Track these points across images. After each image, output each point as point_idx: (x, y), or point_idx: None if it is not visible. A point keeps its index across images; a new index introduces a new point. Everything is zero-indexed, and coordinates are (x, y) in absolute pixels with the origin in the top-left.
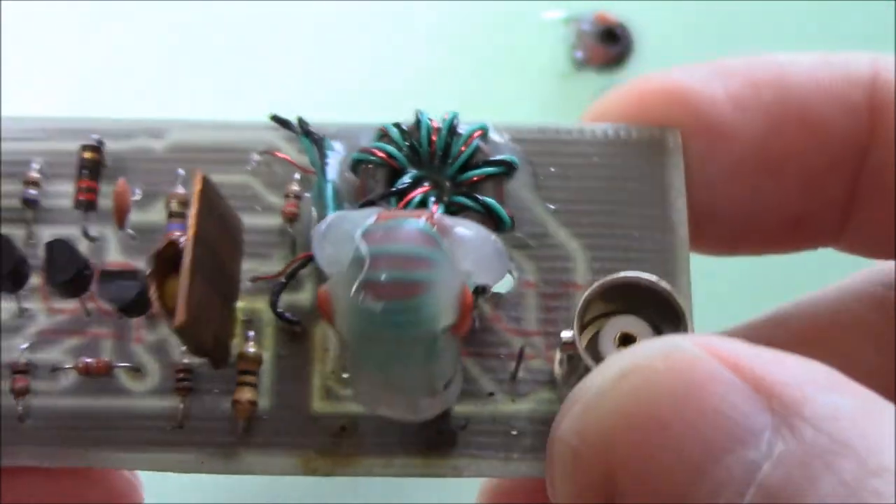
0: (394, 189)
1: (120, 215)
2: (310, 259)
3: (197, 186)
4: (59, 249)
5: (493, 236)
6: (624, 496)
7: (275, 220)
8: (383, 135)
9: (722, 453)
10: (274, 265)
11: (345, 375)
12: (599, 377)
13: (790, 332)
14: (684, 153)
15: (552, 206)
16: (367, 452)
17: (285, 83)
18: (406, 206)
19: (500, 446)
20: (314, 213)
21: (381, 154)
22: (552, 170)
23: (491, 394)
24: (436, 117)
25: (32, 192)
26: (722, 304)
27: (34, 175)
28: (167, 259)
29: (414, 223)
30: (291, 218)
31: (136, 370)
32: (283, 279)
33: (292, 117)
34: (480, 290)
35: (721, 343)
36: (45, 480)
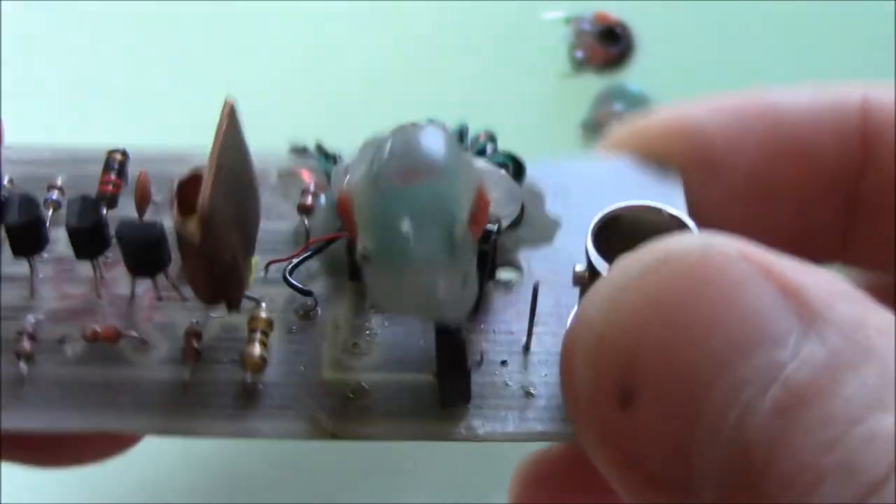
0: None
1: (141, 205)
2: (323, 245)
3: (226, 110)
4: (82, 203)
5: (505, 173)
6: (644, 386)
7: (288, 224)
8: None
9: (749, 351)
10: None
11: (354, 344)
12: (633, 263)
13: None
14: (684, 183)
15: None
16: (376, 416)
17: (282, 84)
18: None
19: (514, 407)
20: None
21: None
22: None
23: (504, 362)
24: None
25: (54, 195)
26: None
27: (57, 182)
28: (189, 193)
29: (436, 126)
30: (306, 210)
31: (143, 342)
32: (294, 260)
33: (309, 141)
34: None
35: (750, 246)
36: None
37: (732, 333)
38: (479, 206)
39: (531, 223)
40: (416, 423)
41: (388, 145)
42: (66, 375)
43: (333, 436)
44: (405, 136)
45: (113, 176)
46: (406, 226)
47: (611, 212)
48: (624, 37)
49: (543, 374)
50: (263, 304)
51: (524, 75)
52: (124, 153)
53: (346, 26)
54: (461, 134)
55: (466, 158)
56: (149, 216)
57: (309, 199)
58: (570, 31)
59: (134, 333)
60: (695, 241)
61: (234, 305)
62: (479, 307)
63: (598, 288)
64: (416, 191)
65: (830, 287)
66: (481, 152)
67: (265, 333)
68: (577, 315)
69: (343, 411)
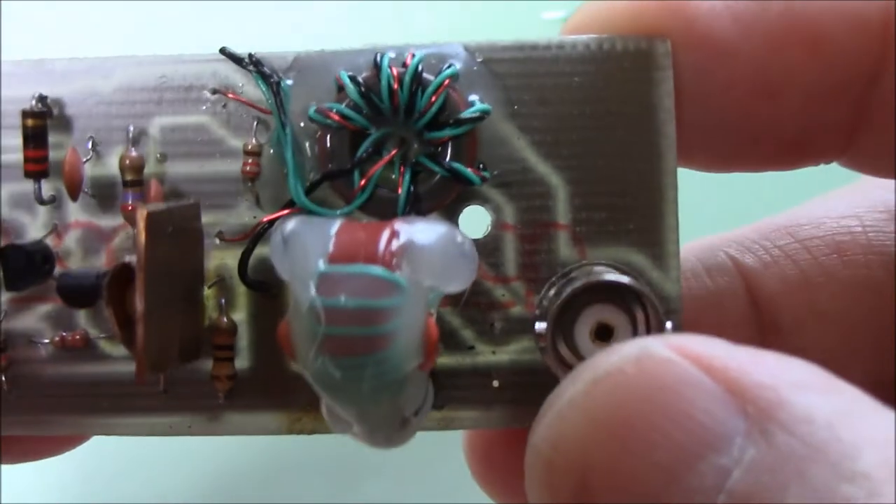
0: (356, 158)
1: (72, 190)
2: (272, 222)
3: (140, 223)
4: (14, 257)
5: (458, 237)
6: None
7: (236, 166)
8: (341, 88)
9: (694, 459)
10: (240, 216)
11: None
12: (571, 385)
13: (802, 244)
14: (675, 69)
15: (530, 138)
16: None
17: None
18: (370, 179)
19: (481, 399)
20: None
21: (336, 118)
22: (528, 97)
23: (471, 347)
24: (399, 55)
25: None
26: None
27: None
28: (122, 278)
29: (371, 271)
30: (252, 177)
31: (113, 336)
32: (248, 243)
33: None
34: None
35: (695, 343)
36: None
37: (677, 443)
38: (429, 346)
39: None
40: None
41: (323, 308)
42: (46, 375)
43: (311, 432)
44: (341, 297)
45: (33, 150)
46: (354, 392)
47: (585, 285)
48: None
49: (510, 359)
50: (223, 302)
51: None
52: (38, 114)
53: (347, 26)
54: (416, 74)
55: (412, 299)
56: (89, 167)
57: (255, 165)
58: None
59: (102, 336)
60: (628, 351)
61: (190, 362)
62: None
63: (543, 412)
64: (358, 363)
65: (781, 377)
66: (436, 126)
67: (229, 348)
68: (529, 437)
69: (315, 407)
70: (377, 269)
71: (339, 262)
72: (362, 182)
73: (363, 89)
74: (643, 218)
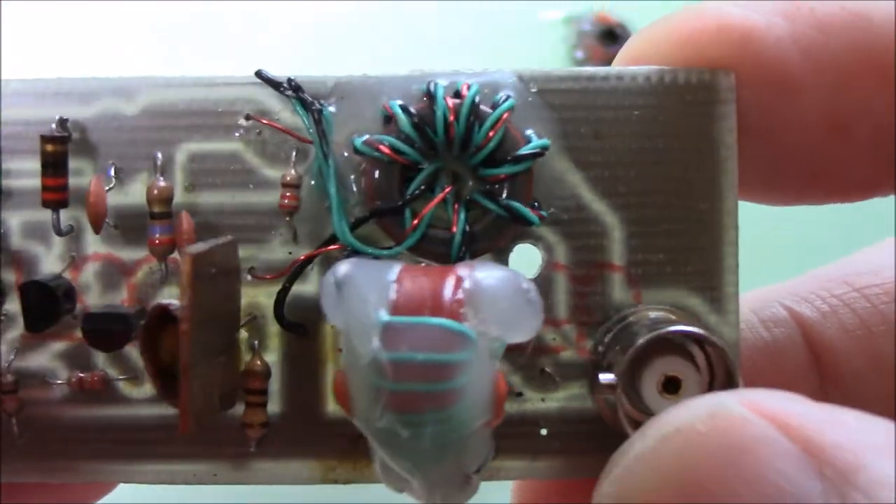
0: (409, 195)
1: (97, 222)
2: (311, 259)
3: (185, 267)
4: (35, 294)
5: (524, 283)
6: None
7: (271, 197)
8: (389, 118)
9: None
10: (273, 251)
11: None
12: (640, 440)
13: (860, 292)
14: (738, 103)
15: (585, 173)
16: None
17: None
18: (423, 218)
19: (528, 448)
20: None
21: (387, 151)
22: (583, 130)
23: (520, 394)
24: (452, 83)
25: None
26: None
27: None
28: (157, 321)
29: (440, 323)
30: (291, 211)
31: (134, 377)
32: (286, 282)
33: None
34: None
35: (771, 400)
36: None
37: None
38: (498, 401)
39: None
40: None
41: (390, 363)
42: (60, 418)
43: (347, 482)
44: (407, 351)
45: (51, 178)
46: (418, 451)
47: (652, 337)
48: (624, 37)
49: (559, 406)
50: (256, 344)
51: None
52: (58, 139)
53: (347, 26)
54: (473, 106)
55: (480, 351)
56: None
57: (293, 199)
58: (570, 31)
59: (122, 378)
60: (700, 407)
61: (226, 409)
62: None
63: (609, 467)
64: (425, 419)
65: (860, 438)
66: (493, 162)
67: (262, 392)
68: (593, 496)
69: (352, 454)
70: (446, 321)
71: (403, 312)
72: (415, 221)
73: (416, 121)
74: (701, 260)
